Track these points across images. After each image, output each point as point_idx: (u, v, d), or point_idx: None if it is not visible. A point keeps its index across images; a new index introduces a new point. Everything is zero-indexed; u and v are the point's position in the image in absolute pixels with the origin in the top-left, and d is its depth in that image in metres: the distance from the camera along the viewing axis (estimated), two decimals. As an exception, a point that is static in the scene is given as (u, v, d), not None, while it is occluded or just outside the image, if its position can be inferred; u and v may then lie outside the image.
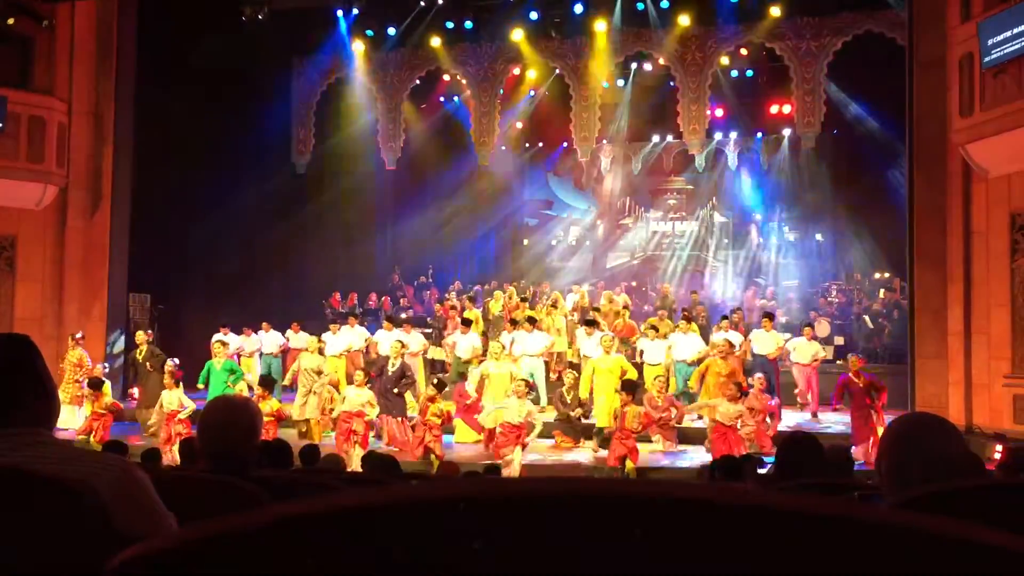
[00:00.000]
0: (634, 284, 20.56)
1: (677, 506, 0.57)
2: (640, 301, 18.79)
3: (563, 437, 11.95)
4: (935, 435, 2.16)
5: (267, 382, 11.87)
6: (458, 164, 20.46)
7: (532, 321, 13.88)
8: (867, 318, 16.38)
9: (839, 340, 15.92)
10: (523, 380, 10.93)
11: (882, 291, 17.67)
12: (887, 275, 18.24)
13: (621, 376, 11.33)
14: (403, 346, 12.57)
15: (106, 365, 13.63)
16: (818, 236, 21.63)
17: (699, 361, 12.67)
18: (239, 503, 2.44)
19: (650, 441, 11.40)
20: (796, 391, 13.71)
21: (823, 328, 16.03)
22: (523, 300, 16.71)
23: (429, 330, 16.28)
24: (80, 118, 14.65)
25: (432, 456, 10.53)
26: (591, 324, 13.90)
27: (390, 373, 11.88)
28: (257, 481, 2.70)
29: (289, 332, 15.67)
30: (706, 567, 0.56)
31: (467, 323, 14.43)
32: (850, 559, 0.57)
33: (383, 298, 19.01)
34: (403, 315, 18.07)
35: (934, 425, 2.23)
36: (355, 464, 9.66)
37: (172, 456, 10.05)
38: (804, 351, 13.58)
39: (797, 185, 21.50)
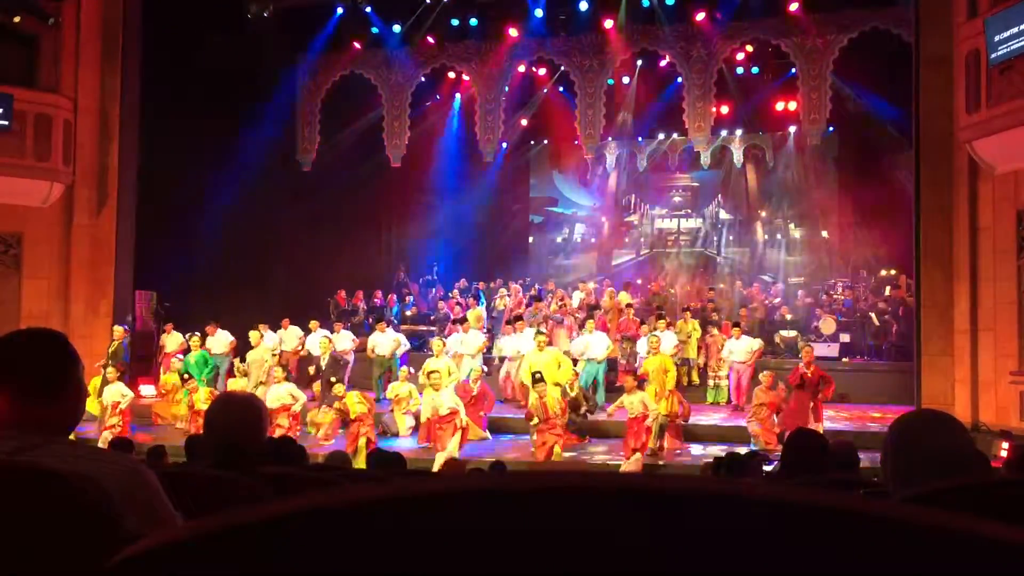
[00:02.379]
0: (639, 282, 20.56)
1: (685, 500, 0.57)
2: (645, 298, 18.78)
3: (567, 434, 11.97)
4: (941, 432, 2.16)
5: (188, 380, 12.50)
6: (463, 161, 20.46)
7: (462, 321, 14.59)
8: (873, 315, 16.34)
9: (845, 338, 15.88)
10: (435, 371, 11.29)
11: (888, 288, 17.62)
12: (893, 272, 18.19)
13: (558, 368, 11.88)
14: (330, 342, 13.61)
15: (109, 363, 13.67)
16: (824, 233, 21.58)
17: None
18: (244, 499, 2.44)
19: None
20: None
21: (829, 325, 15.99)
22: (534, 299, 16.75)
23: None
24: (86, 116, 14.67)
25: (362, 443, 10.77)
26: (516, 320, 14.49)
27: (323, 367, 12.83)
28: (262, 477, 2.71)
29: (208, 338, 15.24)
30: (712, 562, 0.56)
31: (383, 321, 15.32)
32: (856, 555, 0.57)
33: (389, 296, 19.04)
34: (407, 312, 18.13)
35: (940, 421, 2.22)
36: None
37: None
38: (739, 350, 13.73)
39: (803, 182, 21.46)
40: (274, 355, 14.17)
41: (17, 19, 13.80)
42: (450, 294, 18.98)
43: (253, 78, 16.70)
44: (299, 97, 18.60)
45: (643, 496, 0.55)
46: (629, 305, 16.03)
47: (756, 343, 14.04)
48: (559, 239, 24.01)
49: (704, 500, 0.55)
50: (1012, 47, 10.86)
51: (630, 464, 9.72)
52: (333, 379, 12.08)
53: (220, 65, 15.24)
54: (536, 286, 19.27)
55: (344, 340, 14.73)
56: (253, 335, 14.23)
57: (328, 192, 18.73)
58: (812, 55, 16.14)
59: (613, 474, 0.59)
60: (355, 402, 11.22)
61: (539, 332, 13.11)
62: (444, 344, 13.21)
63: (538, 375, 10.79)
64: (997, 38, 11.03)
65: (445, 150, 20.57)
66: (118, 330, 13.95)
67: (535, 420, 10.61)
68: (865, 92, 17.87)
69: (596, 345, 13.51)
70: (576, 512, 0.56)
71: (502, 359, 14.55)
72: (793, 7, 15.88)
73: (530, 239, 24.11)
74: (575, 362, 13.24)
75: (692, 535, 0.55)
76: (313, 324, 15.13)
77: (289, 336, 15.24)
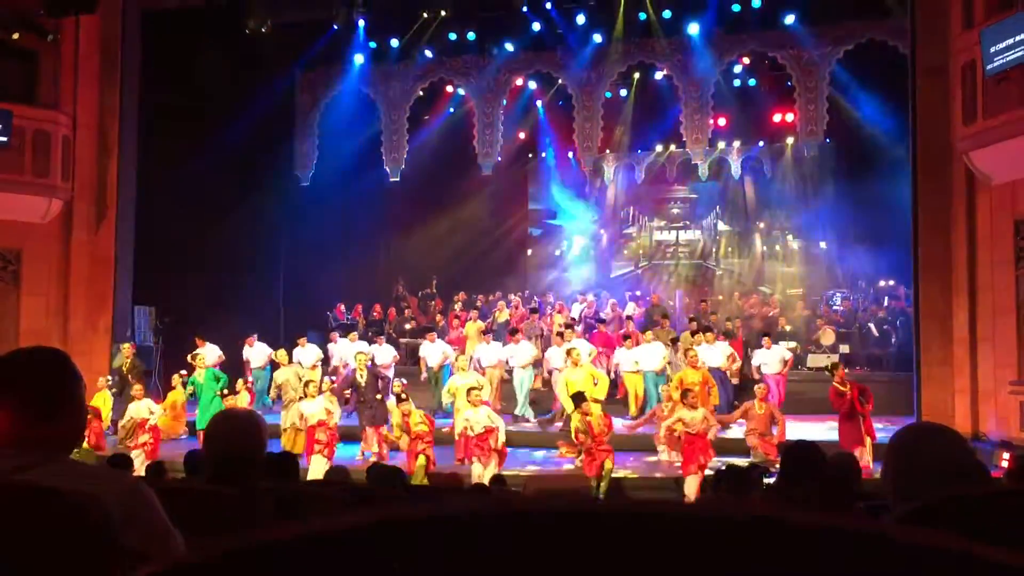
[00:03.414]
0: (638, 293, 20.56)
1: (681, 523, 0.57)
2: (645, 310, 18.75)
3: (567, 447, 11.93)
4: (941, 443, 2.16)
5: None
6: (461, 175, 20.49)
7: (514, 332, 14.25)
8: (872, 326, 16.34)
9: (844, 348, 15.88)
10: (474, 388, 11.10)
11: (887, 299, 17.63)
12: (892, 283, 18.21)
13: (594, 385, 11.57)
14: (367, 356, 12.86)
15: (110, 378, 13.64)
16: (822, 244, 21.60)
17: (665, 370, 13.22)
18: (243, 515, 2.44)
19: (655, 451, 11.38)
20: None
21: (828, 336, 15.99)
22: (533, 311, 16.73)
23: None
24: (85, 132, 14.69)
25: (421, 461, 10.49)
26: (560, 335, 14.00)
27: (363, 384, 12.01)
28: (261, 492, 2.70)
29: (245, 347, 15.36)
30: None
31: (433, 332, 15.22)
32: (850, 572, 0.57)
33: (388, 309, 19.03)
34: (407, 326, 18.11)
35: (940, 433, 2.23)
36: (315, 474, 9.65)
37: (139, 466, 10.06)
38: (772, 361, 13.63)
39: (800, 193, 21.49)
40: (312, 367, 14.05)
41: (16, 36, 13.83)
42: (452, 307, 18.93)
43: (251, 93, 16.74)
44: (297, 112, 18.64)
45: (641, 520, 0.56)
46: (629, 317, 16.01)
47: (787, 352, 13.94)
48: (557, 252, 24.02)
49: (699, 523, 0.55)
50: (1008, 58, 10.90)
51: (693, 481, 9.58)
52: (379, 395, 11.93)
53: (218, 80, 15.28)
54: (535, 299, 19.28)
55: (385, 354, 14.54)
56: (281, 354, 13.92)
57: (327, 206, 18.74)
58: (809, 67, 16.20)
59: (612, 496, 0.60)
60: (417, 421, 10.95)
61: (571, 348, 12.62)
62: (469, 359, 13.10)
63: (581, 395, 10.65)
64: (993, 49, 11.08)
65: (443, 164, 20.59)
66: (126, 347, 13.93)
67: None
68: (862, 103, 17.93)
69: (652, 355, 13.36)
70: (577, 535, 0.56)
71: (549, 372, 14.18)
72: (789, 19, 15.96)
73: (528, 251, 24.13)
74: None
75: (687, 559, 0.55)
76: (352, 336, 15.26)
77: (339, 350, 15.12)
